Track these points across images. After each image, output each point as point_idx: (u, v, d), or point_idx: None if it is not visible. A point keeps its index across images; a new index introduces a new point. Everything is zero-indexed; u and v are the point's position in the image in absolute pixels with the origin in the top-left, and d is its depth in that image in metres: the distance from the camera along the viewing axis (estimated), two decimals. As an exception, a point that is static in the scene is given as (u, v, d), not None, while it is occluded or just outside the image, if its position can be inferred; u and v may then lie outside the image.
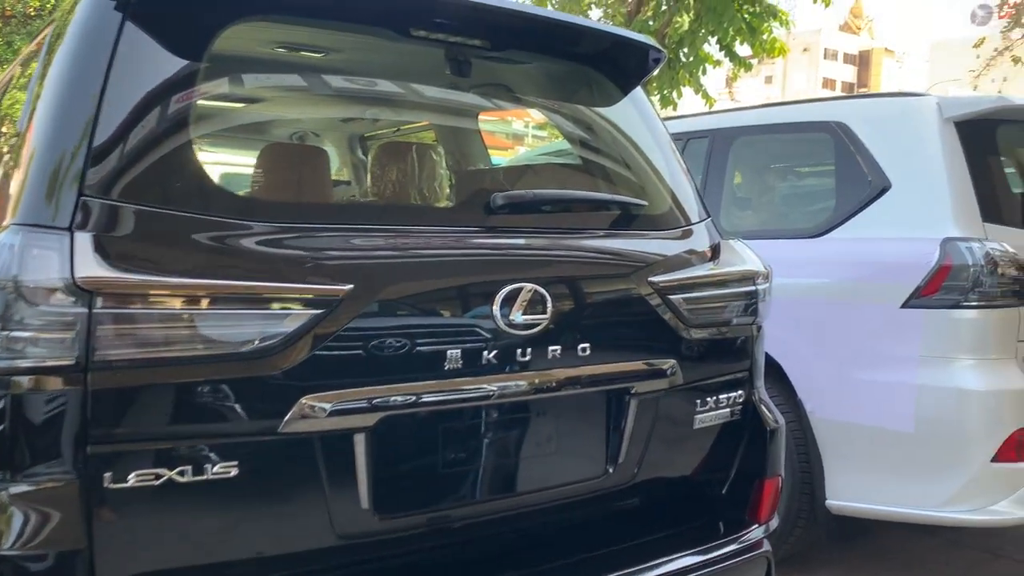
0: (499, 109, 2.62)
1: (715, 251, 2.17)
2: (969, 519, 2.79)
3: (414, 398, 1.59)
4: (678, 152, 2.29)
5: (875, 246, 3.09)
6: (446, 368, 1.61)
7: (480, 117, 3.06)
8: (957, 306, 2.84)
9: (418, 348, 1.58)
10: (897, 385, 2.92)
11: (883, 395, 2.96)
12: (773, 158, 3.92)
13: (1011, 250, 2.84)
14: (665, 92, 10.66)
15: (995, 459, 2.75)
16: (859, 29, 71.10)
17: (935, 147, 3.04)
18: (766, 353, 3.40)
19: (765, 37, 9.59)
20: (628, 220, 2.05)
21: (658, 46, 2.19)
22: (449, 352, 1.61)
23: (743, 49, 10.17)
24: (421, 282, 1.64)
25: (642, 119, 2.26)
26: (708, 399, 2.07)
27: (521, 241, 1.82)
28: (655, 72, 2.30)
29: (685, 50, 10.06)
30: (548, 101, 2.35)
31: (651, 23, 9.76)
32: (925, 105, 3.14)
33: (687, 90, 10.90)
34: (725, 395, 2.11)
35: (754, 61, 10.67)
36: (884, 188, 3.13)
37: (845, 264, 3.15)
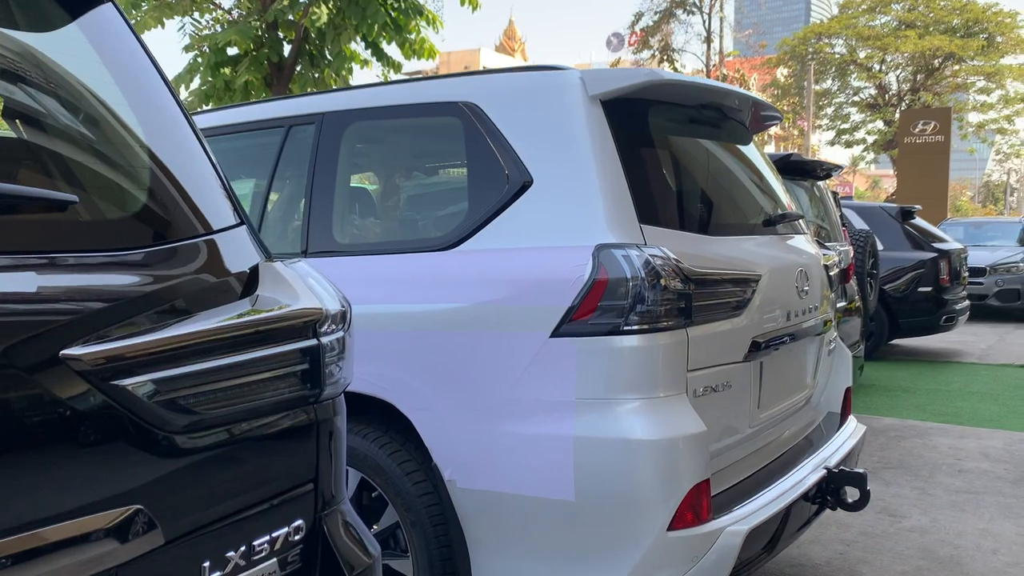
0: None
1: (248, 283, 1.25)
2: (646, 607, 2.16)
3: None
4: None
5: (516, 258, 2.37)
6: None
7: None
8: (616, 331, 2.20)
9: None
10: (551, 439, 2.23)
11: (536, 454, 2.25)
12: (396, 149, 3.11)
13: (674, 257, 2.26)
14: (310, 92, 9.71)
15: (672, 527, 2.14)
16: (514, 51, 76.04)
17: (581, 131, 2.40)
18: (391, 406, 2.59)
19: (412, 36, 9.01)
20: (31, 233, 1.04)
21: None
22: None
23: (392, 49, 9.53)
24: None
25: (106, 52, 1.27)
26: (228, 555, 1.13)
27: None
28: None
29: (330, 46, 9.17)
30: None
31: (289, 13, 8.70)
32: (567, 80, 2.49)
33: (337, 92, 10.06)
34: (264, 538, 1.19)
35: (406, 65, 10.07)
36: (525, 184, 2.43)
37: (481, 283, 2.40)
